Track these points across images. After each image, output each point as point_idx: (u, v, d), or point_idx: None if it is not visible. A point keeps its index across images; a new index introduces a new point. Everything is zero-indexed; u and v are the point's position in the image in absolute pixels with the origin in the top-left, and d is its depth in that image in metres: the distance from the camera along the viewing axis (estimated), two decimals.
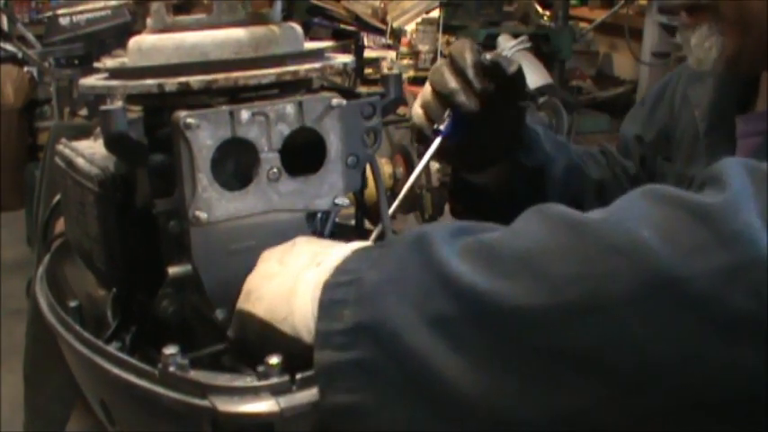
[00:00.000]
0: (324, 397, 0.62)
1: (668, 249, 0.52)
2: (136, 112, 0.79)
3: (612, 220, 0.56)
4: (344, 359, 0.61)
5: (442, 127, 1.02)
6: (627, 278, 0.52)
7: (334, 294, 0.64)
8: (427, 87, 1.06)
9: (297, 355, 0.65)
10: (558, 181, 1.16)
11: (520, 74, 1.03)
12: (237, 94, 0.77)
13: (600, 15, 3.49)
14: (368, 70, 3.79)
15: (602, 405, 0.54)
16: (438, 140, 1.01)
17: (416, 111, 1.08)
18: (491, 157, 1.13)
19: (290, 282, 0.69)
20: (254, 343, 0.70)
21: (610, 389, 0.54)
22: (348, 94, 0.82)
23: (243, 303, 0.71)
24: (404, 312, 0.59)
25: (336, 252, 0.70)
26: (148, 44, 0.79)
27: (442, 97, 1.02)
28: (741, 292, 0.50)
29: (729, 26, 0.92)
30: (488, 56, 1.02)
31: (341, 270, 0.66)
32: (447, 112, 1.02)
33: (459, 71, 1.01)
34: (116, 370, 0.71)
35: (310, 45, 0.87)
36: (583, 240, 0.55)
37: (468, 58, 1.00)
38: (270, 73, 0.77)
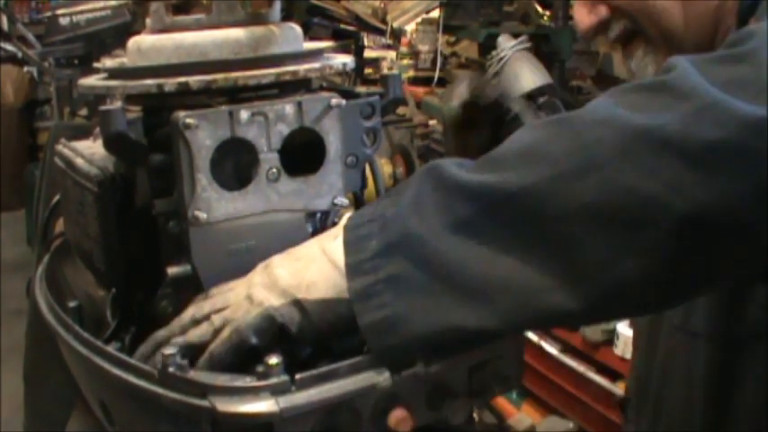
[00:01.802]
0: (361, 320, 0.66)
1: (639, 114, 0.63)
2: (135, 112, 0.79)
3: (589, 108, 0.66)
4: (375, 279, 0.66)
5: None
6: (612, 141, 0.62)
7: (359, 232, 0.69)
8: None
9: None
10: None
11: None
12: (237, 95, 0.77)
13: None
14: (368, 70, 3.80)
15: (615, 253, 0.62)
16: None
17: None
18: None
19: (324, 260, 0.71)
20: (318, 326, 0.70)
21: (620, 233, 0.62)
22: (347, 94, 0.82)
23: (298, 295, 0.70)
24: (426, 226, 0.66)
25: (342, 222, 0.73)
26: (148, 44, 0.79)
27: None
28: (707, 127, 0.60)
29: (655, 43, 1.01)
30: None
31: (359, 214, 0.71)
32: None
33: None
34: (115, 370, 0.71)
35: (310, 45, 0.87)
36: (569, 125, 0.66)
37: None
38: (269, 73, 0.77)
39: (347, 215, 0.74)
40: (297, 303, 0.70)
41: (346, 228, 0.70)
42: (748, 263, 0.66)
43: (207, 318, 0.73)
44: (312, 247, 0.74)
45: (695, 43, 0.98)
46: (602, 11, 1.02)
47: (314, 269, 0.71)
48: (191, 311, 0.74)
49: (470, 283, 0.64)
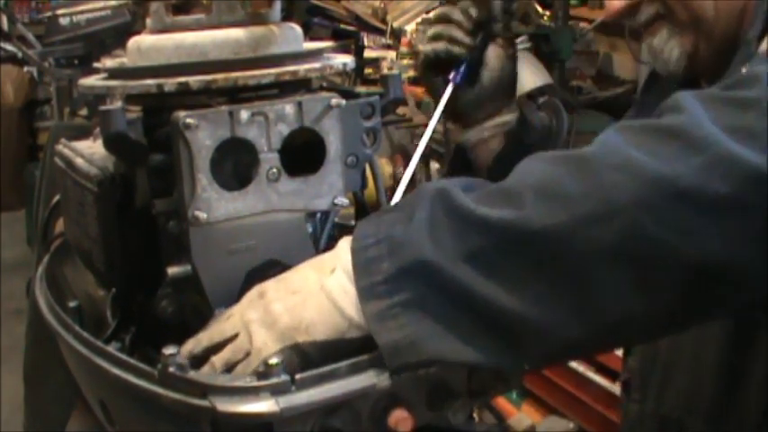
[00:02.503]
0: (379, 338, 0.67)
1: (654, 160, 0.65)
2: (135, 112, 0.79)
3: (603, 149, 0.68)
4: (391, 303, 0.66)
5: (450, 77, 1.19)
6: (628, 187, 0.64)
7: (367, 254, 0.69)
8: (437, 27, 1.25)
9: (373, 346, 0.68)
10: None
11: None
12: (237, 95, 0.77)
13: (600, 15, 3.49)
14: (368, 70, 3.79)
15: (626, 293, 0.65)
16: (450, 89, 1.18)
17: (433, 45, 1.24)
18: (488, 111, 1.27)
19: (323, 298, 0.70)
20: (319, 365, 0.69)
21: (630, 276, 0.65)
22: (347, 94, 0.82)
23: (297, 338, 0.70)
24: (441, 252, 0.66)
25: (340, 253, 0.72)
26: (148, 44, 0.79)
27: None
28: (718, 180, 0.63)
29: (683, 26, 1.03)
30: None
31: (361, 236, 0.70)
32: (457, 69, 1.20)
33: (450, 20, 1.22)
34: (115, 370, 0.71)
35: (310, 45, 0.87)
36: (584, 166, 0.67)
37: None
38: (269, 73, 0.77)
39: (345, 239, 0.73)
40: (296, 347, 0.69)
41: (354, 250, 0.69)
42: (749, 304, 0.72)
43: (206, 352, 0.72)
44: (309, 278, 0.72)
45: (723, 31, 1.01)
46: None
47: (312, 307, 0.70)
48: (189, 346, 0.74)
49: (488, 316, 0.65)
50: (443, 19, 1.25)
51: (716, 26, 1.01)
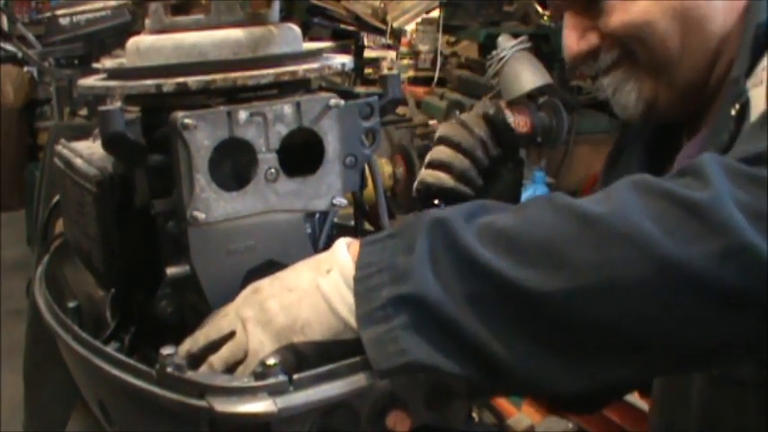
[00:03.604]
0: (378, 366, 0.66)
1: (668, 239, 0.62)
2: (134, 112, 0.79)
3: (617, 213, 0.64)
4: (390, 327, 0.66)
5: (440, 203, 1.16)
6: (637, 264, 0.62)
7: (369, 283, 0.68)
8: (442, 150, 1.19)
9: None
10: None
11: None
12: (235, 95, 0.77)
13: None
14: (368, 70, 3.79)
15: (617, 364, 0.65)
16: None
17: (437, 174, 1.18)
18: None
19: (319, 298, 0.70)
20: (313, 365, 0.69)
21: (624, 352, 0.64)
22: (346, 94, 0.81)
23: (292, 337, 0.70)
24: (441, 287, 0.66)
25: (336, 254, 0.72)
26: (147, 44, 0.79)
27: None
28: (732, 272, 0.61)
29: (644, 72, 0.97)
30: (491, 111, 1.18)
31: (363, 264, 0.69)
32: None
33: (466, 151, 1.17)
34: (114, 370, 0.71)
35: (309, 45, 0.87)
36: (595, 231, 0.64)
37: (478, 134, 1.18)
38: (268, 73, 0.77)
39: (341, 242, 0.73)
40: (292, 347, 0.70)
41: (357, 279, 0.69)
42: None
43: (203, 352, 0.73)
44: (304, 276, 0.72)
45: (687, 76, 0.96)
46: (593, 39, 0.98)
47: (307, 306, 0.70)
48: (186, 346, 0.74)
49: (480, 352, 0.65)
50: (457, 146, 1.18)
51: (680, 69, 0.95)
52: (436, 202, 1.17)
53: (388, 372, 0.66)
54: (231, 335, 0.72)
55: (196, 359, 0.72)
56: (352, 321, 0.68)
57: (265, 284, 0.73)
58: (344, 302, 0.69)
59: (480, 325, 0.65)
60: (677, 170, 0.69)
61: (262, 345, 0.70)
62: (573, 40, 0.99)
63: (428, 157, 1.21)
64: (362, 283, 0.68)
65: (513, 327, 0.65)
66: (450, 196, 1.17)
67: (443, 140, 1.20)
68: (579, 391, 0.67)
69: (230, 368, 0.71)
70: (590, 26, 0.98)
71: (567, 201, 0.67)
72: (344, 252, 0.71)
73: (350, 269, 0.70)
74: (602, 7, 0.96)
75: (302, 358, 0.69)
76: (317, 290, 0.70)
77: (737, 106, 0.85)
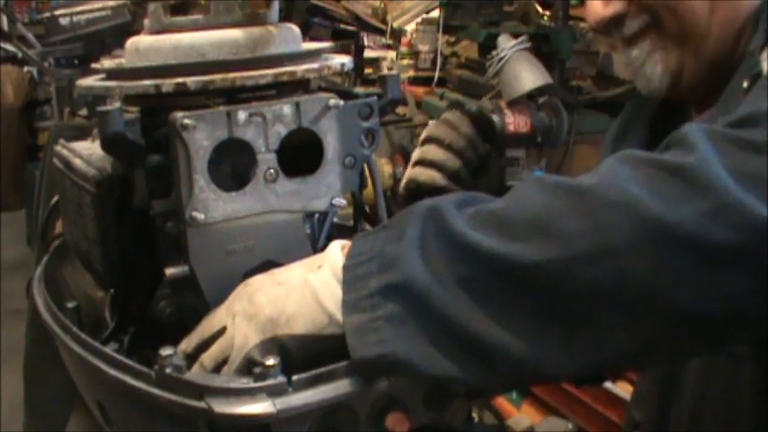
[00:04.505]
0: (355, 353, 0.66)
1: (657, 201, 0.62)
2: (133, 112, 0.79)
3: (605, 182, 0.65)
4: (374, 316, 0.66)
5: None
6: (627, 228, 0.62)
7: (358, 271, 0.68)
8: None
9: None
10: None
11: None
12: (235, 95, 0.77)
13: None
14: (368, 70, 3.79)
15: (615, 335, 0.64)
16: None
17: (427, 173, 1.18)
18: None
19: (306, 292, 0.70)
20: (297, 360, 0.69)
21: (621, 318, 0.64)
22: (346, 94, 0.81)
23: (276, 330, 0.69)
24: (430, 274, 0.65)
25: (328, 252, 0.72)
26: (146, 45, 0.79)
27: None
28: (721, 229, 0.61)
29: (671, 41, 0.94)
30: (473, 108, 1.18)
31: (354, 254, 0.69)
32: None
33: (457, 152, 1.18)
34: (112, 371, 0.71)
35: (309, 45, 0.87)
36: (584, 200, 0.64)
37: (466, 133, 1.19)
38: (267, 73, 0.76)
39: (335, 243, 0.73)
40: (275, 340, 0.69)
41: (345, 267, 0.69)
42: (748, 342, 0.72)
43: (197, 350, 0.73)
44: (295, 272, 0.73)
45: (714, 48, 0.94)
46: (619, 4, 0.95)
47: (294, 299, 0.70)
48: (183, 346, 0.74)
49: (471, 340, 0.65)
50: (448, 146, 1.18)
51: (707, 41, 0.93)
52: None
53: (365, 361, 0.66)
54: (222, 331, 0.72)
55: (193, 359, 0.72)
56: (338, 316, 0.68)
57: (256, 279, 0.74)
58: (332, 297, 0.69)
59: (473, 309, 0.64)
60: (662, 144, 0.69)
61: (246, 338, 0.69)
62: (598, 4, 0.97)
63: (417, 156, 1.20)
64: (351, 272, 0.68)
65: (508, 305, 0.64)
66: (441, 194, 1.16)
67: (433, 140, 1.20)
68: (578, 370, 0.65)
69: (221, 365, 0.71)
70: None
71: (554, 178, 0.67)
72: (337, 251, 0.72)
73: (340, 265, 0.70)
74: None
75: (285, 352, 0.69)
76: (306, 284, 0.70)
77: (749, 78, 0.83)
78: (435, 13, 3.59)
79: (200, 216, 0.74)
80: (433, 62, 3.53)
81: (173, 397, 0.66)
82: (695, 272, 0.62)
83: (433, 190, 1.17)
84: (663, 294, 0.62)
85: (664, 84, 0.97)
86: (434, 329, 0.65)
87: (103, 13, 2.98)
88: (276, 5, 0.82)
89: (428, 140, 1.20)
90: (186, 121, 0.72)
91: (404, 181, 1.22)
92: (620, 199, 0.63)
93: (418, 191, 1.19)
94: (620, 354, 0.66)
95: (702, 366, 1.02)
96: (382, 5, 3.77)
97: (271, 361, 0.65)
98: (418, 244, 0.66)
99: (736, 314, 0.63)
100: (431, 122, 1.25)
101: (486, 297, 0.64)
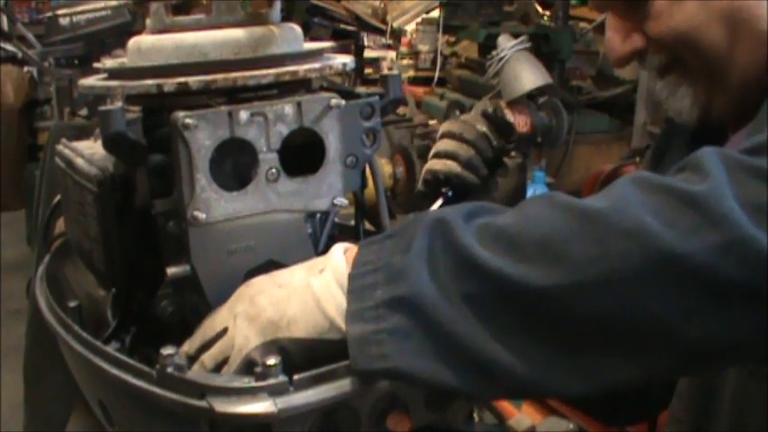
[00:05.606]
0: (356, 365, 0.66)
1: (668, 232, 0.61)
2: (135, 112, 0.79)
3: (617, 207, 0.64)
4: (378, 328, 0.65)
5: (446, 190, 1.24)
6: (637, 258, 0.61)
7: (364, 281, 0.68)
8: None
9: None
10: None
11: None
12: (236, 95, 0.77)
13: (600, 15, 3.48)
14: (368, 70, 3.80)
15: (620, 362, 0.64)
16: (440, 201, 1.22)
17: (448, 164, 1.25)
18: None
19: (308, 295, 0.70)
20: (297, 364, 0.69)
21: (627, 346, 0.63)
22: (347, 94, 0.81)
23: (277, 333, 0.70)
24: (437, 288, 0.65)
25: (331, 256, 0.72)
26: (147, 44, 0.79)
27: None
28: (731, 264, 0.60)
29: (696, 76, 0.92)
30: (490, 109, 1.25)
31: (360, 262, 0.69)
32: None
33: (469, 142, 1.24)
34: (114, 370, 0.71)
35: (310, 45, 0.87)
36: (595, 226, 0.63)
37: (480, 129, 1.25)
38: (269, 73, 0.77)
39: (337, 246, 0.73)
40: (276, 343, 0.69)
41: (351, 276, 0.69)
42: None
43: (199, 351, 0.73)
44: (297, 274, 0.73)
45: (741, 78, 0.90)
46: (638, 41, 0.93)
47: (296, 303, 0.70)
48: (185, 347, 0.75)
49: (477, 357, 0.64)
50: (461, 138, 1.24)
51: (733, 71, 0.89)
52: (444, 189, 1.24)
53: (365, 374, 0.66)
54: (224, 331, 0.72)
55: (194, 359, 0.73)
56: (339, 321, 0.68)
57: (258, 280, 0.74)
58: (334, 302, 0.69)
59: (478, 327, 0.64)
60: (677, 165, 0.68)
61: (247, 340, 0.70)
62: (616, 41, 0.95)
63: (433, 150, 1.28)
64: (357, 281, 0.68)
65: (513, 326, 0.64)
66: (457, 183, 1.24)
67: (447, 135, 1.27)
68: (582, 392, 0.65)
69: (221, 365, 0.71)
70: (634, 27, 0.93)
71: (565, 198, 0.67)
72: (340, 255, 0.72)
73: (342, 270, 0.69)
74: (646, 10, 0.90)
75: (285, 355, 0.69)
76: (308, 288, 0.70)
77: None
78: (435, 13, 3.59)
79: (201, 215, 0.74)
80: (433, 62, 3.54)
81: (174, 396, 0.66)
82: (702, 305, 0.61)
83: (450, 178, 1.23)
84: (669, 326, 0.62)
85: (694, 116, 0.95)
86: (439, 344, 0.64)
87: (103, 13, 2.98)
88: (278, 5, 0.83)
89: (442, 136, 1.28)
90: (188, 120, 0.72)
91: (422, 173, 1.29)
92: (631, 227, 0.62)
93: (436, 181, 1.25)
94: (625, 379, 0.66)
95: (740, 388, 1.00)
96: (382, 5, 3.77)
97: (272, 360, 0.65)
98: (426, 257, 0.66)
99: (739, 346, 0.64)
100: (446, 122, 1.32)
101: (491, 317, 0.64)
